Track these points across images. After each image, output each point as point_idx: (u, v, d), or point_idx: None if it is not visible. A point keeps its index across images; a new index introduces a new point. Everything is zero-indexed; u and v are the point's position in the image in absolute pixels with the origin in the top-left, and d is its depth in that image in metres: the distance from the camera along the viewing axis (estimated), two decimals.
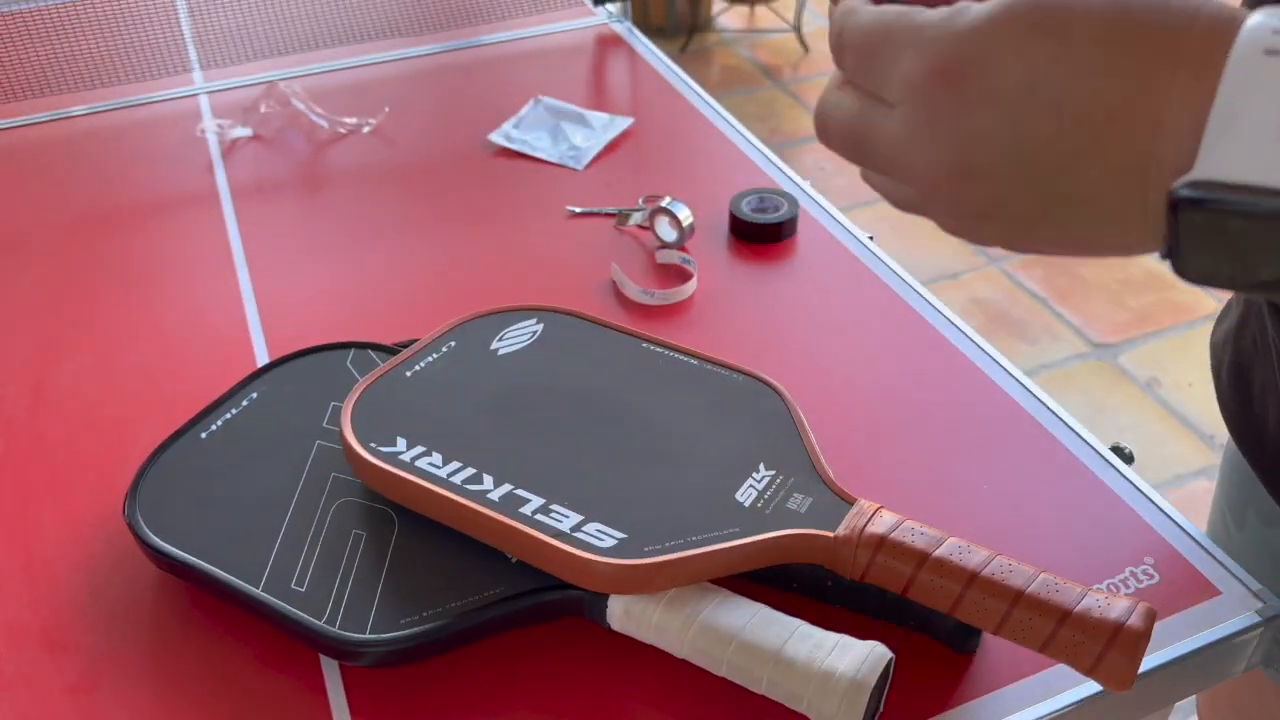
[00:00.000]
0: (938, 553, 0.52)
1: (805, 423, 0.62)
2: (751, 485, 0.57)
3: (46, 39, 1.21)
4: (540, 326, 0.70)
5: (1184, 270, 0.29)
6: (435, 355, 0.66)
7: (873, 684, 0.49)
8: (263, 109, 1.06)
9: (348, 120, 1.07)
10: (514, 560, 0.56)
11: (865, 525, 0.54)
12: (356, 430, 0.60)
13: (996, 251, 2.43)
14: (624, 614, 0.53)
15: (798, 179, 0.97)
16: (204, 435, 0.65)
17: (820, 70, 3.22)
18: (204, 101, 1.13)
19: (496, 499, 0.56)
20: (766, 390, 0.65)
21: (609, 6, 1.29)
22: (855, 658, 0.50)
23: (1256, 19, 0.27)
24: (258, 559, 0.57)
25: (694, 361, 0.67)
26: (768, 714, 0.53)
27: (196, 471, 0.63)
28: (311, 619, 0.54)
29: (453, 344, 0.68)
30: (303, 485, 0.62)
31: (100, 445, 0.71)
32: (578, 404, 0.63)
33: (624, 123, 1.06)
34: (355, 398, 0.62)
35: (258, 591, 0.56)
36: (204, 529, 0.59)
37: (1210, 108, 0.27)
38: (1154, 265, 2.35)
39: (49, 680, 0.56)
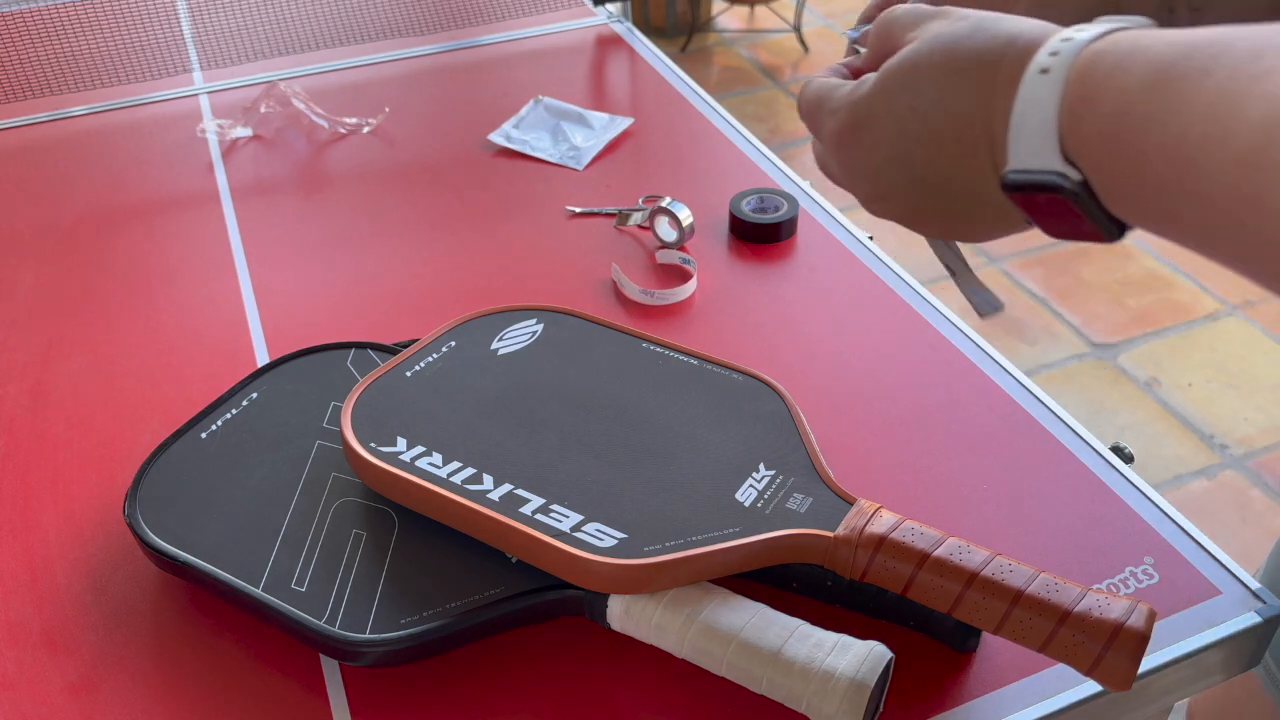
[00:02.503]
0: (937, 553, 0.52)
1: (805, 423, 0.62)
2: (751, 485, 0.57)
3: (46, 39, 1.21)
4: (540, 326, 0.70)
5: (1046, 231, 0.40)
6: (435, 355, 0.66)
7: (872, 684, 0.49)
8: (263, 109, 1.06)
9: (348, 120, 1.07)
10: (514, 560, 0.56)
11: (865, 525, 0.54)
12: (357, 430, 0.60)
13: (997, 251, 2.43)
14: (624, 614, 0.53)
15: (798, 179, 0.97)
16: (204, 435, 0.65)
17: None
18: (204, 102, 1.14)
19: (496, 499, 0.56)
20: (766, 390, 0.65)
21: (609, 7, 1.29)
22: (855, 657, 0.50)
23: (1043, 47, 0.38)
24: (258, 559, 0.57)
25: (694, 361, 0.67)
26: (768, 714, 0.53)
27: (197, 471, 0.63)
28: (311, 619, 0.54)
29: (453, 344, 0.68)
30: (303, 485, 0.62)
31: (100, 445, 0.71)
32: (578, 404, 0.63)
33: (624, 123, 1.06)
34: (355, 398, 0.62)
35: (258, 591, 0.56)
36: (204, 529, 0.59)
37: (1005, 118, 0.38)
38: (1154, 265, 2.35)
39: (49, 679, 0.56)
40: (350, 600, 0.55)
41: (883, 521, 0.54)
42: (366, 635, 0.53)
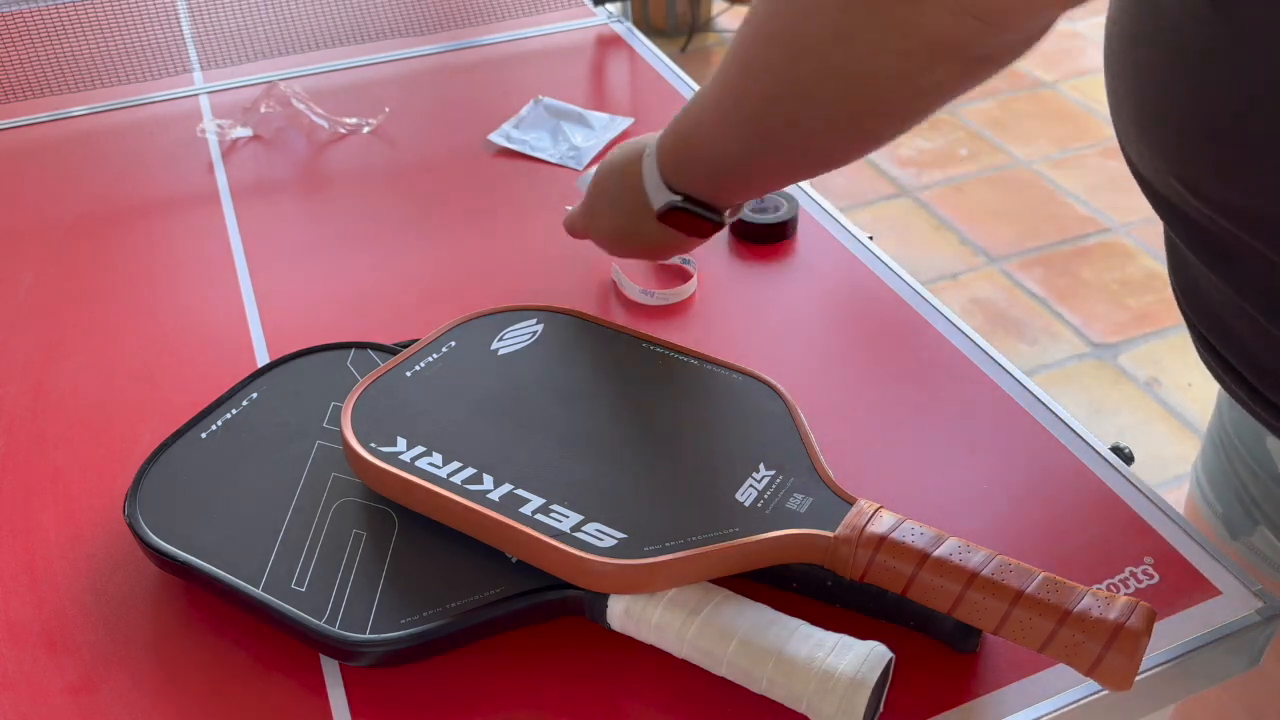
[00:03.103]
0: (937, 553, 0.52)
1: (805, 423, 0.62)
2: (751, 485, 0.57)
3: (47, 39, 1.21)
4: (540, 327, 0.70)
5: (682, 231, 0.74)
6: (435, 355, 0.66)
7: (873, 683, 0.49)
8: (263, 109, 1.06)
9: (348, 120, 1.07)
10: (514, 560, 0.56)
11: (865, 525, 0.54)
12: (357, 430, 0.60)
13: (996, 251, 2.43)
14: (624, 614, 0.53)
15: None
16: (204, 435, 0.65)
17: None
18: (204, 102, 1.14)
19: (497, 499, 0.56)
20: (767, 390, 0.65)
21: (609, 7, 1.29)
22: (855, 657, 0.50)
23: (646, 151, 0.72)
24: (258, 559, 0.57)
25: (694, 361, 0.67)
26: (768, 714, 0.53)
27: (197, 471, 0.63)
28: (311, 619, 0.54)
29: (453, 344, 0.68)
30: (303, 485, 0.62)
31: (101, 445, 0.71)
32: (578, 404, 0.63)
33: (624, 123, 1.06)
34: (355, 398, 0.62)
35: (258, 591, 0.56)
36: (204, 529, 0.59)
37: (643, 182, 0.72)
38: (1154, 265, 2.35)
39: (49, 680, 0.56)
40: (350, 600, 0.55)
41: (883, 521, 0.54)
42: (366, 635, 0.53)
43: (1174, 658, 0.56)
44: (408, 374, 0.65)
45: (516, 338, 0.69)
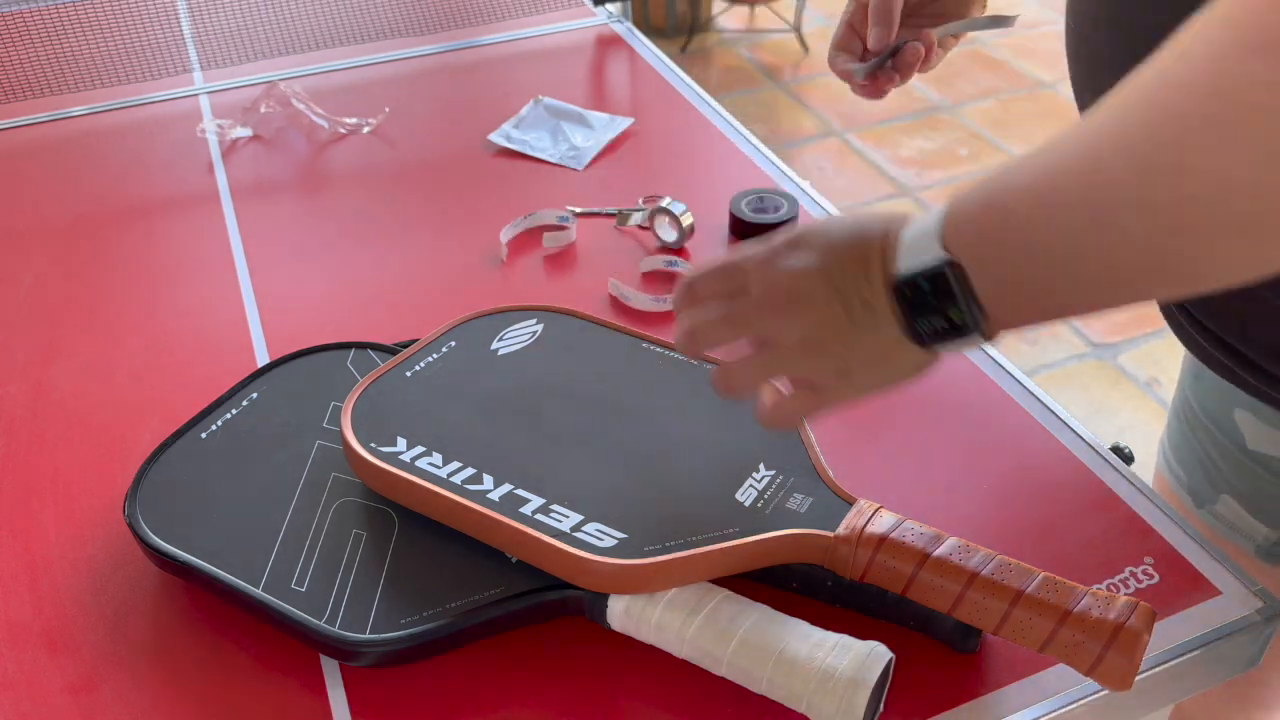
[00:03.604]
0: (937, 552, 0.52)
1: (805, 423, 0.62)
2: (751, 485, 0.57)
3: (47, 39, 1.21)
4: (540, 326, 0.70)
5: (918, 329, 0.47)
6: (435, 355, 0.66)
7: (872, 683, 0.49)
8: (263, 109, 1.06)
9: (348, 120, 1.07)
10: (514, 560, 0.56)
11: (865, 525, 0.54)
12: (357, 430, 0.60)
13: None
14: (624, 614, 0.53)
15: (798, 179, 0.97)
16: (204, 435, 0.65)
17: (820, 70, 3.22)
18: (204, 102, 1.14)
19: (496, 499, 0.56)
20: None
21: (609, 7, 1.29)
22: (855, 657, 0.50)
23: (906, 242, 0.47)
24: (258, 559, 0.57)
25: (694, 361, 0.67)
26: (768, 714, 0.53)
27: (197, 471, 0.63)
28: (312, 619, 0.54)
29: (453, 344, 0.68)
30: (303, 485, 0.62)
31: (101, 445, 0.71)
32: (578, 404, 0.63)
33: (624, 123, 1.06)
34: (355, 398, 0.62)
35: (258, 591, 0.56)
36: (204, 529, 0.59)
37: (895, 255, 0.47)
38: None
39: (49, 679, 0.56)
40: (350, 600, 0.55)
41: (883, 521, 0.54)
42: (366, 635, 0.53)
43: (1174, 658, 0.56)
44: (407, 374, 0.65)
45: (516, 338, 0.69)
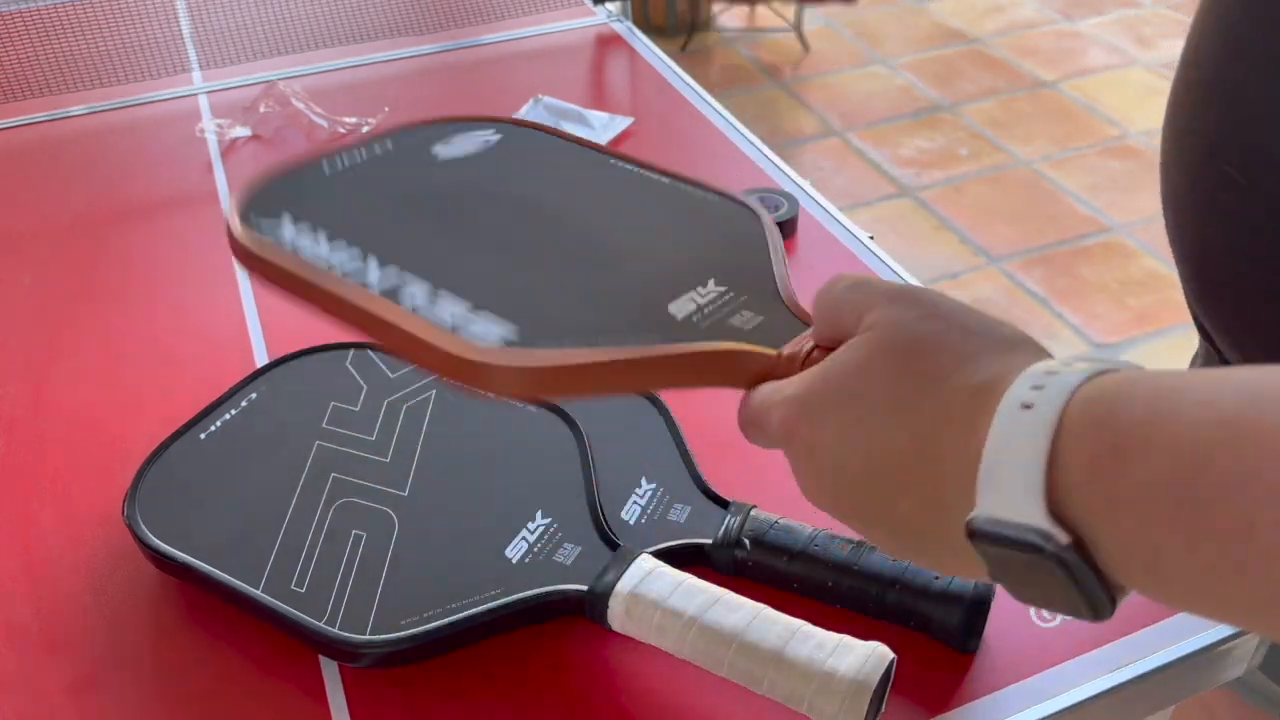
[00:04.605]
0: None
1: (781, 250, 0.53)
2: (693, 298, 0.49)
3: (45, 38, 1.21)
4: (497, 137, 0.60)
5: (1012, 593, 0.34)
6: (364, 154, 0.57)
7: (874, 685, 0.49)
8: (262, 109, 1.06)
9: (347, 120, 1.07)
10: (514, 561, 0.56)
11: (814, 348, 0.45)
12: (243, 204, 0.51)
13: (997, 251, 2.43)
14: (625, 615, 0.53)
15: (798, 179, 0.97)
16: (203, 436, 0.65)
17: (820, 70, 3.22)
18: (203, 101, 1.13)
19: (375, 283, 0.47)
20: (744, 212, 0.55)
21: (609, 6, 1.29)
22: (857, 658, 0.50)
23: (1018, 379, 0.33)
24: (257, 560, 0.57)
25: (665, 180, 0.59)
26: (769, 715, 0.53)
27: (196, 472, 0.63)
28: (311, 620, 0.54)
29: (389, 145, 0.58)
30: (302, 486, 0.62)
31: (100, 446, 0.71)
32: (514, 208, 0.54)
33: (624, 122, 1.06)
34: (256, 183, 0.53)
35: (257, 592, 0.56)
36: (204, 530, 0.59)
37: (978, 456, 0.32)
38: (1154, 265, 2.35)
39: (48, 680, 0.56)
40: (350, 601, 0.55)
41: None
42: (366, 636, 0.53)
43: (1175, 659, 0.56)
44: (326, 171, 0.56)
45: (464, 145, 0.59)
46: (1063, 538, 0.30)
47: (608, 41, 1.23)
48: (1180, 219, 0.61)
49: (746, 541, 0.57)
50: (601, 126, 1.05)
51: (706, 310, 0.48)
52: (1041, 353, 0.36)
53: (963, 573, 0.36)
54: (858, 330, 0.39)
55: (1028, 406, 0.31)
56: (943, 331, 0.37)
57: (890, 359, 0.37)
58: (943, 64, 3.20)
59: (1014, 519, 0.31)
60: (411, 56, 1.21)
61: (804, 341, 0.45)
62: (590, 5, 1.29)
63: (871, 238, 0.89)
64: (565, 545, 0.57)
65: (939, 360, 0.36)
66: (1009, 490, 0.31)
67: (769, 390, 0.42)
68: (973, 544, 0.33)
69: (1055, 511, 0.31)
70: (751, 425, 0.43)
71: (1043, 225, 2.50)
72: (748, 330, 0.47)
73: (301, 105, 1.06)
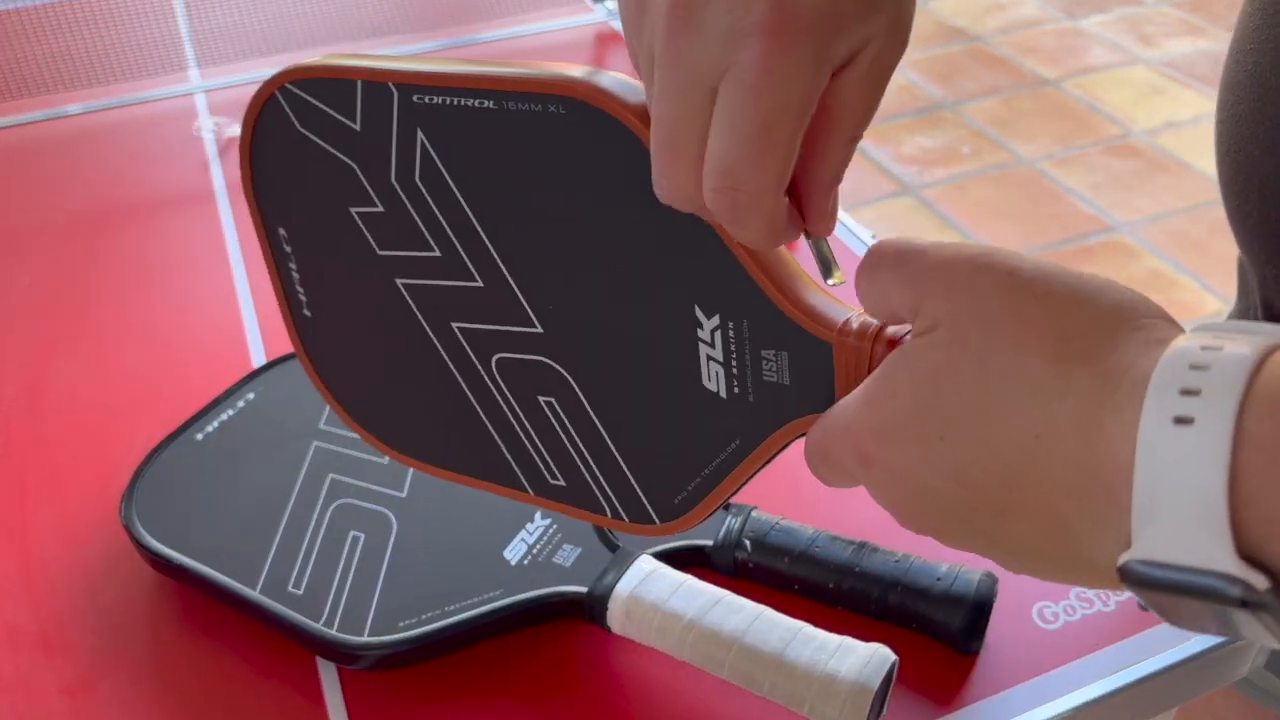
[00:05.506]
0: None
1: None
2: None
3: (42, 37, 1.21)
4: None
5: (1168, 621, 0.28)
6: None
7: (876, 687, 0.49)
8: None
9: None
10: (513, 562, 0.56)
11: (880, 329, 0.37)
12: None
13: None
14: (624, 616, 0.53)
15: None
16: (200, 436, 0.65)
17: None
18: (200, 100, 1.13)
19: None
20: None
21: (607, 4, 1.28)
22: (858, 661, 0.49)
23: (1156, 377, 0.25)
24: (255, 561, 0.57)
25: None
26: (770, 717, 0.52)
27: (193, 473, 0.63)
28: (309, 621, 0.54)
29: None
30: (300, 487, 0.61)
31: (96, 446, 0.70)
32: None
33: None
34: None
35: (254, 594, 0.55)
36: (200, 531, 0.59)
37: (1108, 479, 0.27)
38: (1157, 264, 2.35)
39: (45, 681, 0.56)
40: (348, 603, 0.55)
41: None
42: (364, 638, 0.53)
43: (1178, 660, 0.55)
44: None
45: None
46: (1260, 583, 0.24)
47: (607, 40, 1.23)
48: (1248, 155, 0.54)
49: (747, 543, 0.57)
50: None
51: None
52: (1165, 321, 0.28)
53: (1093, 584, 0.31)
54: (915, 320, 0.32)
55: (1184, 421, 0.24)
56: (1021, 312, 0.29)
57: (963, 360, 0.30)
58: (945, 62, 3.20)
59: (1187, 562, 0.25)
60: (410, 55, 1.20)
61: (865, 342, 0.36)
62: (589, 3, 1.28)
63: (874, 236, 0.89)
64: (564, 546, 0.57)
65: (1022, 357, 0.28)
66: (1175, 530, 0.25)
67: (834, 413, 0.35)
68: (1127, 586, 0.27)
69: (1244, 549, 0.24)
70: (822, 464, 0.36)
71: (1045, 224, 2.50)
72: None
73: None
